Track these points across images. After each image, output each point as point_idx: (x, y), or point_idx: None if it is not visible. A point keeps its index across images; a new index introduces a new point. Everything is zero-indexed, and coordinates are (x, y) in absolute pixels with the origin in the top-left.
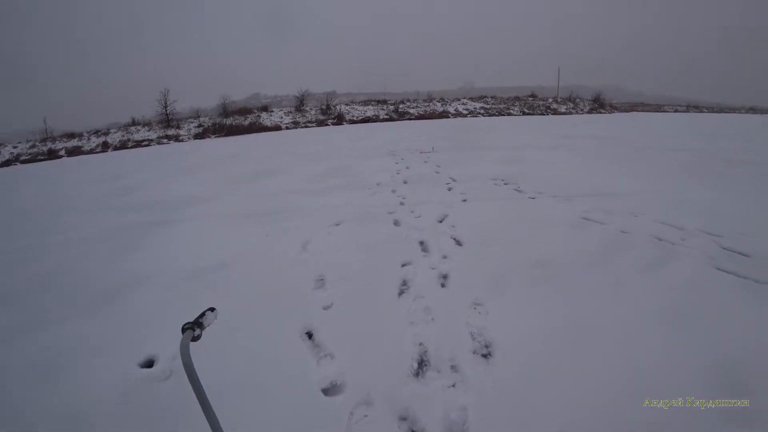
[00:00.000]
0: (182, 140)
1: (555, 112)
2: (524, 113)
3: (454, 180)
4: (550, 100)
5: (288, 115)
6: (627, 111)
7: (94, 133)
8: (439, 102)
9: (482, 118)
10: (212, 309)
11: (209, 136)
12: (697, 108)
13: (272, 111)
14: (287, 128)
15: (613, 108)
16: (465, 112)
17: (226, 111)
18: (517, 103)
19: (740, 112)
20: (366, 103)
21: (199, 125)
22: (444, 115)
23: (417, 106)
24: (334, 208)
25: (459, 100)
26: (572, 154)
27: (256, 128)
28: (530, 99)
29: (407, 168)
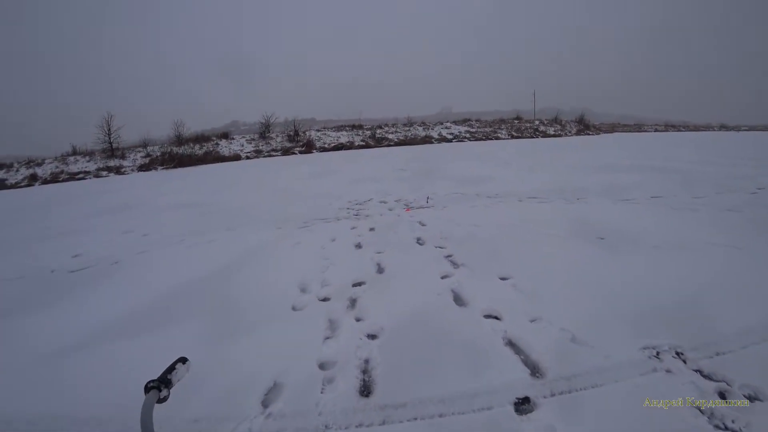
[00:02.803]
0: (124, 173)
1: (544, 135)
2: (512, 136)
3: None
4: (537, 122)
5: (250, 143)
6: (609, 132)
7: (26, 164)
8: (420, 126)
9: (470, 142)
10: (184, 360)
11: (155, 168)
12: (674, 127)
13: (233, 138)
14: (248, 158)
15: (597, 129)
16: (449, 136)
17: (180, 139)
18: (503, 126)
19: (714, 130)
20: (339, 128)
21: (147, 155)
22: (427, 140)
23: (396, 131)
24: None
25: (442, 123)
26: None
27: (212, 158)
28: (516, 122)
29: (380, 261)
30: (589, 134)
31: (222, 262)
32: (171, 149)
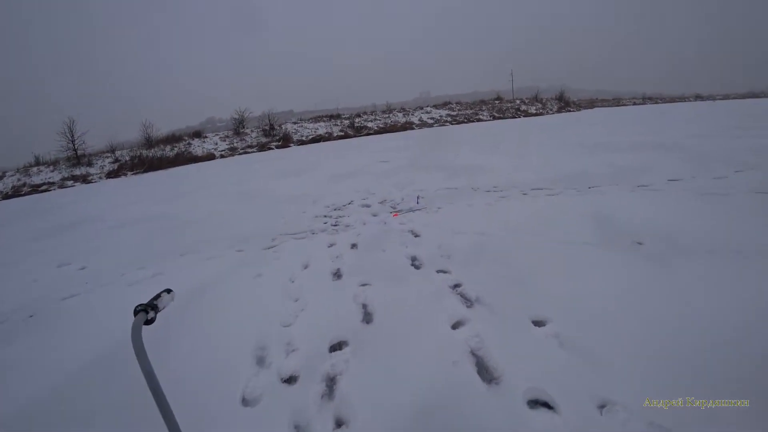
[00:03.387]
0: (92, 181)
1: (526, 114)
2: (494, 117)
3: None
4: (518, 101)
5: (224, 141)
6: (589, 107)
7: None
8: (400, 112)
9: (453, 126)
10: (168, 290)
11: (125, 174)
12: (651, 99)
13: (206, 137)
14: (222, 156)
15: (577, 106)
16: (430, 121)
17: (149, 141)
18: (484, 108)
19: (689, 100)
20: (317, 119)
21: (115, 160)
22: (408, 126)
23: (376, 119)
24: None
25: (422, 108)
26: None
27: (184, 159)
28: (497, 102)
29: (367, 299)
30: (570, 111)
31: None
32: (140, 153)
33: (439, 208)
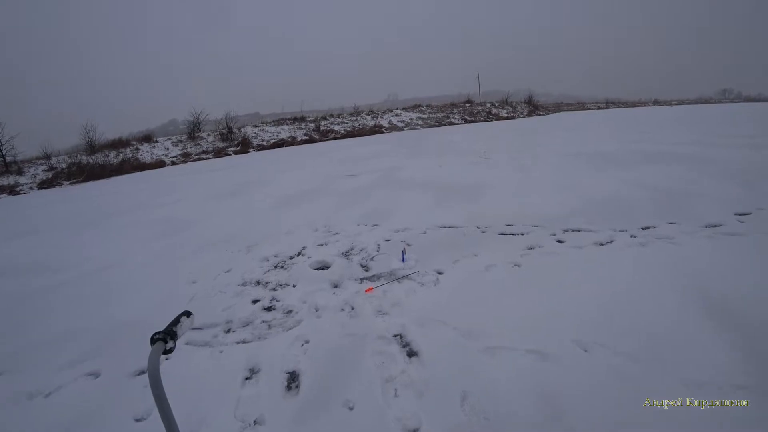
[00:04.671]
0: (20, 192)
1: (498, 117)
2: (466, 120)
3: None
4: (489, 105)
5: (177, 146)
6: (556, 111)
7: None
8: (368, 115)
9: (424, 129)
10: (188, 314)
11: (60, 183)
12: (613, 104)
13: (156, 141)
14: (173, 163)
15: (546, 109)
16: (401, 124)
17: (92, 146)
18: (455, 111)
19: (647, 105)
20: (280, 122)
21: (50, 168)
22: (377, 129)
23: (343, 122)
24: None
25: (391, 111)
26: None
27: (130, 167)
28: (468, 105)
29: None
30: (540, 114)
31: None
32: (80, 159)
33: (438, 274)
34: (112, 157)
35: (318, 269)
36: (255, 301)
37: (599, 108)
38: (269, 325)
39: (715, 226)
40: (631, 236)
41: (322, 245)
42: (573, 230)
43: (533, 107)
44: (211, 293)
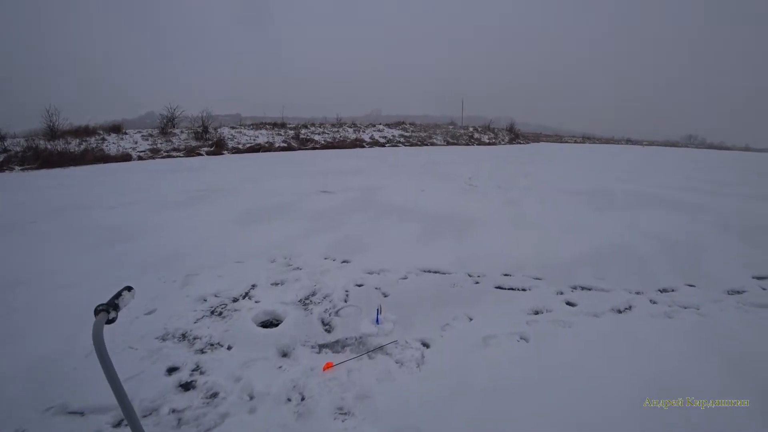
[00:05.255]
0: None
1: (479, 142)
2: (448, 143)
3: None
4: (471, 129)
5: (147, 140)
6: (535, 141)
7: None
8: (350, 128)
9: (406, 147)
10: (129, 288)
11: (11, 168)
12: (589, 139)
13: (125, 133)
14: (140, 158)
15: (527, 139)
16: (382, 140)
17: (53, 131)
18: (438, 132)
19: (621, 143)
20: (259, 126)
21: (3, 150)
22: (358, 143)
23: (324, 132)
24: None
25: (374, 126)
26: None
27: (93, 158)
28: (451, 127)
29: None
30: (521, 143)
31: None
32: (37, 144)
33: (423, 346)
34: (74, 146)
35: (265, 325)
36: (171, 370)
37: (576, 142)
38: (179, 420)
39: (738, 292)
40: (651, 302)
41: (276, 285)
42: (582, 288)
43: (515, 135)
44: (117, 348)
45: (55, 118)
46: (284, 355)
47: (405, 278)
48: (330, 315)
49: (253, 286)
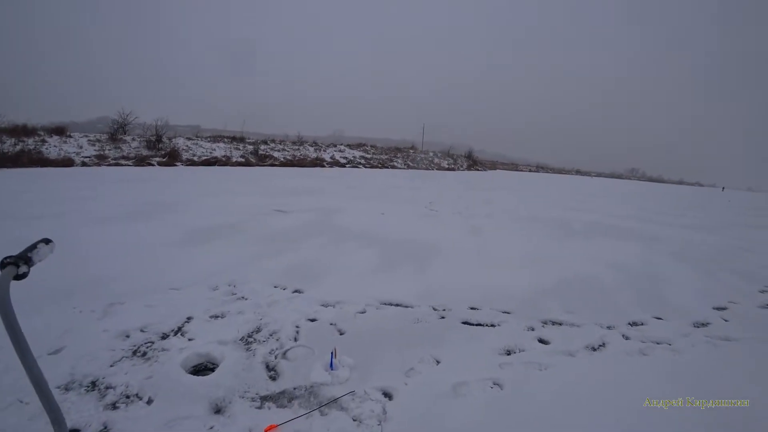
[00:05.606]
0: None
1: (439, 167)
2: (408, 166)
3: None
4: (431, 153)
5: (93, 145)
6: (492, 168)
7: None
8: (311, 146)
9: (367, 169)
10: (47, 240)
11: None
12: (543, 168)
13: (70, 136)
14: (84, 164)
15: (484, 166)
16: (343, 160)
17: None
18: (399, 155)
19: (571, 173)
20: (216, 139)
21: None
22: (318, 162)
23: (284, 149)
24: None
25: (335, 146)
26: None
27: (29, 160)
28: (411, 151)
29: None
30: (479, 170)
31: None
32: None
33: (385, 397)
34: (9, 146)
35: (197, 370)
36: None
37: (530, 171)
38: None
39: (704, 325)
40: (624, 337)
41: (216, 318)
42: (553, 322)
43: (473, 161)
44: (2, 402)
45: None
46: (217, 411)
47: (363, 312)
48: (276, 357)
49: (189, 318)
